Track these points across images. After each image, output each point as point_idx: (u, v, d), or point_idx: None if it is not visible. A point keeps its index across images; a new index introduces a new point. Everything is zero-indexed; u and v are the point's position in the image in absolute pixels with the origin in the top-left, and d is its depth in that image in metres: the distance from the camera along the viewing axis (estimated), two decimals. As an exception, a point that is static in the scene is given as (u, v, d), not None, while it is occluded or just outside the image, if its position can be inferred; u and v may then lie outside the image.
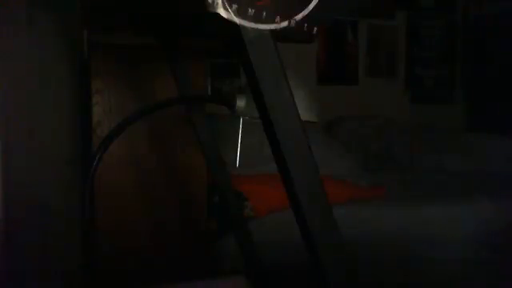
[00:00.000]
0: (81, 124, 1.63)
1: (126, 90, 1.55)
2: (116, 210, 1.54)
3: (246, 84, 1.08)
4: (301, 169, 0.68)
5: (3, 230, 0.73)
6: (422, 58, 3.80)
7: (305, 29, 0.68)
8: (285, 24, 0.67)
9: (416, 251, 1.96)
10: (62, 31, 1.34)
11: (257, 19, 0.65)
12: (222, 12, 0.63)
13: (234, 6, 0.63)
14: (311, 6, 0.68)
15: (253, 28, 0.65)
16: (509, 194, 2.20)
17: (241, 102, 1.18)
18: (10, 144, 0.77)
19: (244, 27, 0.64)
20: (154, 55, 1.52)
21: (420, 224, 2.00)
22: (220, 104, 1.23)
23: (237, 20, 0.64)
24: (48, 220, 1.09)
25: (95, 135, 1.51)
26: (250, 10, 0.64)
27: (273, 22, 0.66)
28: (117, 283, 1.53)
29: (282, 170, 0.69)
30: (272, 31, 0.66)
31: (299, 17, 0.68)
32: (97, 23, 1.40)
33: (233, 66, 3.12)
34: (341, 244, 0.69)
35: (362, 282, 0.69)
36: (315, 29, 0.69)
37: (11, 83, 0.80)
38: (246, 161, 2.18)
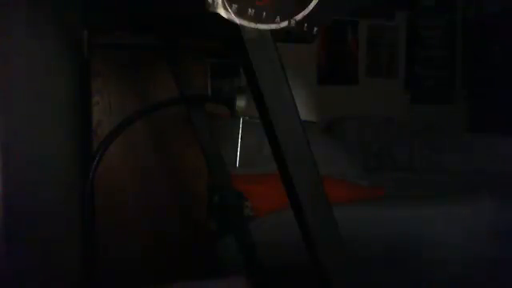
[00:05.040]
0: (81, 124, 1.63)
1: (126, 89, 1.55)
2: (116, 210, 1.54)
3: (246, 84, 1.08)
4: (301, 169, 0.68)
5: (3, 230, 0.73)
6: (422, 57, 3.80)
7: (305, 29, 0.68)
8: (285, 24, 0.67)
9: (416, 251, 1.95)
10: (62, 31, 1.34)
11: (257, 19, 0.65)
12: (222, 12, 0.63)
13: (234, 6, 0.63)
14: (311, 6, 0.68)
15: (253, 28, 0.65)
16: (509, 193, 2.20)
17: (241, 102, 1.18)
18: (10, 144, 0.77)
19: (244, 27, 0.64)
20: (154, 55, 1.52)
21: (420, 224, 2.00)
22: (220, 104, 1.23)
23: (237, 20, 0.64)
24: (48, 220, 1.09)
25: (95, 135, 1.51)
26: (250, 10, 0.64)
27: (273, 21, 0.66)
28: (117, 283, 1.53)
29: (281, 169, 0.69)
30: (272, 31, 0.66)
31: (299, 17, 0.68)
32: (97, 23, 1.40)
33: (233, 66, 3.12)
34: (341, 244, 0.69)
35: (361, 282, 0.69)
36: (315, 29, 0.69)
37: (11, 83, 0.80)
38: (245, 161, 2.18)
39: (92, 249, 1.47)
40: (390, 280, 1.94)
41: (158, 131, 1.59)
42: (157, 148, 1.59)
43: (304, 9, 0.68)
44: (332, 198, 0.69)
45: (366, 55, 3.64)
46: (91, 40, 1.50)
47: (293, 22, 0.67)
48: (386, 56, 3.70)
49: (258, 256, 1.28)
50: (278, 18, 0.66)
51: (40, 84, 1.03)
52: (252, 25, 0.64)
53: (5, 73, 0.76)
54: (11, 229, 0.76)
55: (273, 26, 0.66)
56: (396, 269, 1.95)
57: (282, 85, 0.67)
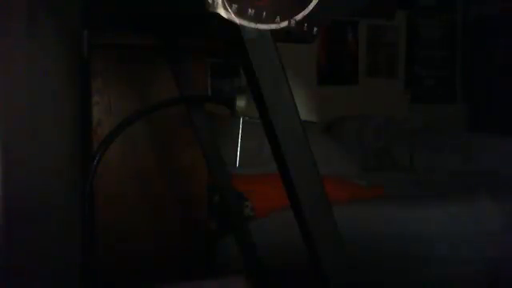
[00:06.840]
0: (81, 124, 1.63)
1: (125, 90, 1.55)
2: (116, 210, 1.54)
3: (246, 84, 1.08)
4: (301, 169, 0.68)
5: (3, 230, 0.73)
6: (422, 57, 3.79)
7: (305, 29, 0.68)
8: (285, 24, 0.67)
9: (415, 251, 1.96)
10: (62, 31, 1.34)
11: (257, 19, 0.65)
12: (222, 12, 0.63)
13: (234, 6, 0.63)
14: (311, 6, 0.68)
15: (253, 28, 0.65)
16: (509, 193, 2.20)
17: (241, 102, 1.18)
18: (10, 144, 0.77)
19: (244, 27, 0.64)
20: (154, 55, 1.52)
21: (419, 224, 2.00)
22: (220, 104, 1.23)
23: (237, 20, 0.64)
24: (48, 220, 1.09)
25: (95, 135, 1.51)
26: (250, 10, 0.64)
27: (273, 21, 0.66)
28: (117, 283, 1.53)
29: (281, 169, 0.69)
30: (272, 31, 0.66)
31: (299, 17, 0.68)
32: (97, 23, 1.40)
33: (233, 66, 3.12)
34: (341, 244, 0.69)
35: (361, 281, 0.70)
36: (315, 29, 0.69)
37: (11, 83, 0.80)
38: (246, 161, 2.18)
39: (92, 249, 1.47)
40: (390, 279, 1.94)
41: (158, 131, 1.59)
42: (157, 148, 1.59)
43: (304, 9, 0.68)
44: (332, 198, 0.69)
45: (366, 55, 3.64)
46: (91, 40, 1.50)
47: (293, 22, 0.67)
48: (385, 56, 3.70)
49: (258, 256, 1.28)
50: (278, 18, 0.66)
51: (40, 84, 1.03)
52: (252, 25, 0.64)
53: (5, 73, 0.76)
54: (11, 229, 0.76)
55: (273, 26, 0.66)
56: (395, 268, 1.95)
57: (282, 85, 0.67)
